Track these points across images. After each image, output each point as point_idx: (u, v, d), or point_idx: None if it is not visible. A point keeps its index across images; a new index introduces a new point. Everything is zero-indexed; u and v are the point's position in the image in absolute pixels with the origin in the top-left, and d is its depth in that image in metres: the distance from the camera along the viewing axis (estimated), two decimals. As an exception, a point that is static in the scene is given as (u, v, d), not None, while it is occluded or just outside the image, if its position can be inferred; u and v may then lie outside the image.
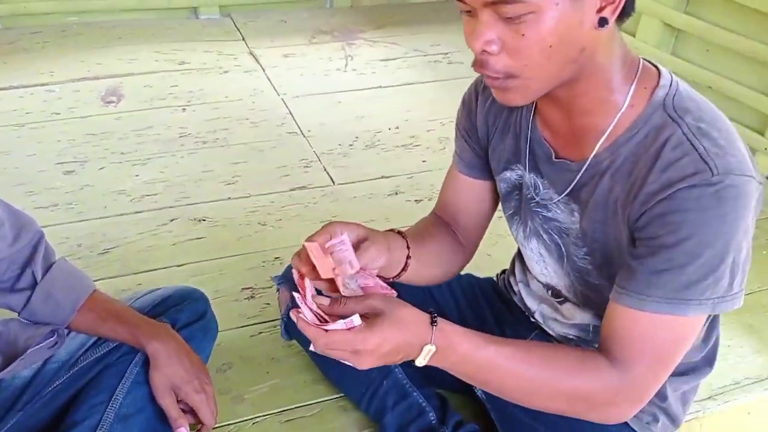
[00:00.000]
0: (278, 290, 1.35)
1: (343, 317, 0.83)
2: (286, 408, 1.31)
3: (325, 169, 2.04)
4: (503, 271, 1.34)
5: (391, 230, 1.07)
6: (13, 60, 2.54)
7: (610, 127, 0.90)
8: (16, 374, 1.15)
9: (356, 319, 0.82)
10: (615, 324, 0.90)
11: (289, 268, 1.30)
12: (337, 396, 1.32)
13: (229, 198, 1.89)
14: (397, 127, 2.28)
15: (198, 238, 1.73)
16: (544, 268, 1.10)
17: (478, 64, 0.84)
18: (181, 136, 2.16)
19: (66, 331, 1.19)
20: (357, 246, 0.93)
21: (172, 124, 2.21)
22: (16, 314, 1.19)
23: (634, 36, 2.48)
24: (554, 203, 0.99)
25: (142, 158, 2.03)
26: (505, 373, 0.90)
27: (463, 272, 1.26)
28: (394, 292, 0.94)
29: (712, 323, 1.07)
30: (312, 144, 2.16)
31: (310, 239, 0.90)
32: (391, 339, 0.84)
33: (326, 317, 0.86)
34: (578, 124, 0.93)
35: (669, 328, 0.86)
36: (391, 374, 1.24)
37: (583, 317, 1.11)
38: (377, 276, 0.96)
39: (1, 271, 1.15)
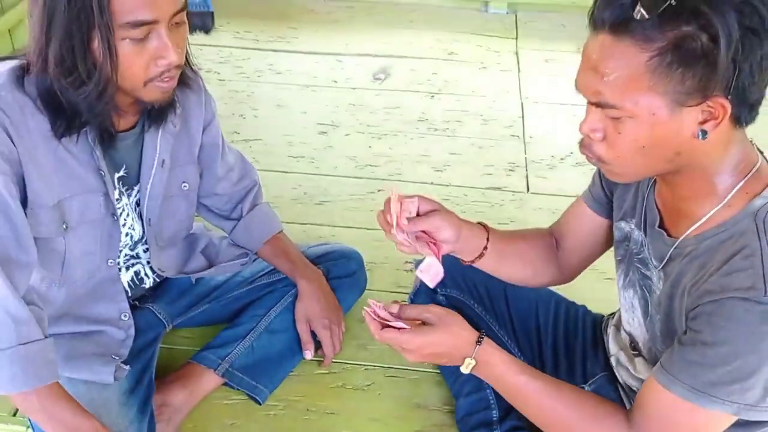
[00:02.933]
0: (412, 271, 1.62)
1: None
2: (393, 366, 1.59)
3: (526, 177, 2.22)
4: (612, 314, 1.44)
5: (480, 223, 1.26)
6: (324, 29, 3.09)
7: (703, 219, 0.96)
8: (213, 277, 1.60)
9: (404, 325, 1.07)
10: (645, 393, 1.00)
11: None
12: (436, 371, 1.57)
13: (432, 183, 2.19)
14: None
15: (392, 211, 2.05)
16: (632, 318, 1.21)
17: (582, 144, 0.98)
18: (419, 120, 2.49)
19: (253, 257, 1.62)
20: (426, 214, 1.15)
21: (417, 107, 2.56)
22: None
23: None
24: (653, 265, 1.09)
25: (380, 133, 2.42)
26: (529, 402, 1.09)
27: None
28: (437, 247, 1.16)
29: None
30: (527, 150, 2.35)
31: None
32: (433, 345, 1.07)
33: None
34: (679, 205, 1.01)
35: (690, 415, 0.94)
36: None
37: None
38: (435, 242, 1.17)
39: (223, 202, 1.59)
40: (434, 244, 1.17)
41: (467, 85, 2.71)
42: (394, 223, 1.12)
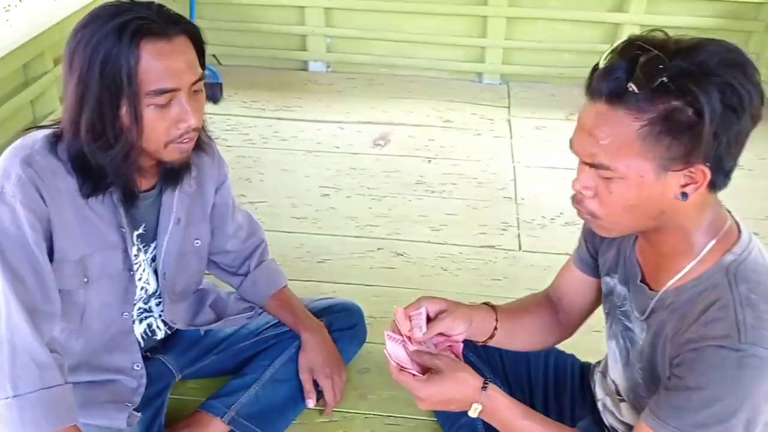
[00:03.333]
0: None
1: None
2: (393, 415, 1.66)
3: (518, 236, 2.33)
4: (599, 362, 1.52)
5: (486, 303, 1.36)
6: (327, 98, 3.27)
7: (681, 273, 1.06)
8: (220, 330, 1.69)
9: (419, 373, 1.15)
10: None
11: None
12: (433, 419, 1.64)
13: (428, 241, 2.30)
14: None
15: (390, 268, 2.16)
16: (615, 366, 1.29)
17: (575, 199, 1.07)
18: (417, 183, 2.63)
19: (259, 310, 1.71)
20: (435, 316, 1.24)
21: (415, 171, 2.70)
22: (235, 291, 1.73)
23: None
24: (635, 317, 1.18)
25: (379, 195, 2.55)
26: None
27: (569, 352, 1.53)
28: (455, 349, 1.24)
29: None
30: (519, 211, 2.47)
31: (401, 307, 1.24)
32: (442, 393, 1.15)
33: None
34: (659, 261, 1.11)
35: None
36: (470, 413, 1.52)
37: (633, 420, 1.27)
38: (452, 339, 1.26)
39: (231, 259, 1.69)
40: (449, 341, 1.25)
41: (462, 151, 2.85)
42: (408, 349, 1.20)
